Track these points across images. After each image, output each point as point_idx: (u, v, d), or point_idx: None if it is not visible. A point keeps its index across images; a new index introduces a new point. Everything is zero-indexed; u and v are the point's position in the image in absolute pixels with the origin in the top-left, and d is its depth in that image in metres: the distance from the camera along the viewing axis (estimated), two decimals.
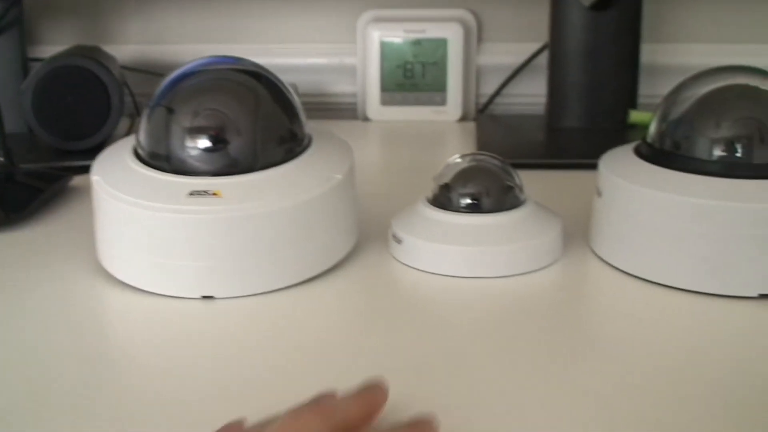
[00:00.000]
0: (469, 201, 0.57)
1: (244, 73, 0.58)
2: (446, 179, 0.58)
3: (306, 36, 1.04)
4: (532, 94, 0.99)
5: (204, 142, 0.54)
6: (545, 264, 0.57)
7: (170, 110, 0.55)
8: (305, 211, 0.54)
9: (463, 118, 1.00)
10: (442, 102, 1.00)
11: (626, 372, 0.44)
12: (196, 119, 0.54)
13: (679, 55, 0.98)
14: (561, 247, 0.58)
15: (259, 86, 0.57)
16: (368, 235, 0.62)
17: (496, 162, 0.59)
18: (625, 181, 0.55)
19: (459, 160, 0.59)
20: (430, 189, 0.59)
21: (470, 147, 0.87)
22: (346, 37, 1.03)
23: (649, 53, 0.94)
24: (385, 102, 1.01)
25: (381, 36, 1.00)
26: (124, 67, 0.97)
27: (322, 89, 1.04)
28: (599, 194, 0.58)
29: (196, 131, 0.54)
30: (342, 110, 1.05)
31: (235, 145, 0.54)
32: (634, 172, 0.55)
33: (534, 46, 0.98)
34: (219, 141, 0.54)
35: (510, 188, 0.58)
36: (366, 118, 1.02)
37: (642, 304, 0.52)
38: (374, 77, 1.00)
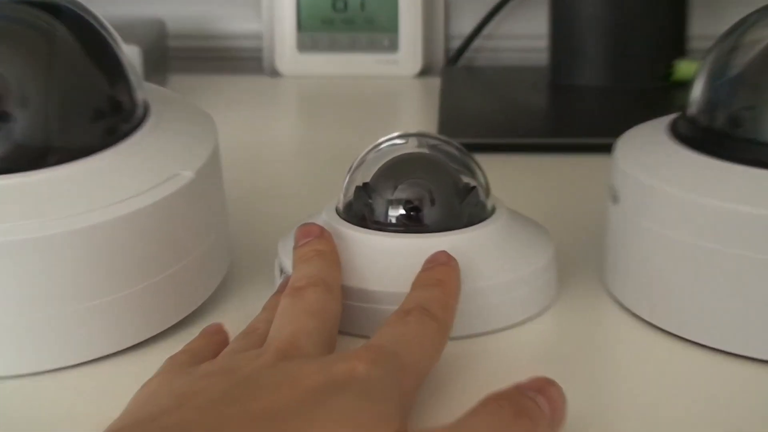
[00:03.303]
0: (402, 212, 0.51)
1: (37, 7, 0.52)
2: (366, 177, 0.52)
3: None
4: (528, 35, 0.96)
5: None
6: (528, 315, 0.52)
7: None
8: (128, 232, 0.48)
9: (425, 72, 0.97)
10: (392, 48, 0.96)
11: None
12: None
13: None
14: (554, 285, 0.54)
15: (60, 28, 0.51)
16: (251, 262, 0.59)
17: (448, 148, 0.53)
18: (654, 180, 0.49)
19: (392, 143, 0.54)
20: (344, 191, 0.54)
21: (431, 118, 0.83)
22: None
23: None
24: (303, 47, 0.97)
25: None
26: None
27: (211, 28, 1.01)
28: (615, 200, 0.52)
29: None
30: (240, 60, 1.02)
31: (17, 124, 0.48)
32: (670, 166, 0.50)
33: None
34: None
35: (470, 190, 0.52)
36: (275, 72, 0.99)
37: (687, 379, 0.48)
38: (287, 10, 0.96)
